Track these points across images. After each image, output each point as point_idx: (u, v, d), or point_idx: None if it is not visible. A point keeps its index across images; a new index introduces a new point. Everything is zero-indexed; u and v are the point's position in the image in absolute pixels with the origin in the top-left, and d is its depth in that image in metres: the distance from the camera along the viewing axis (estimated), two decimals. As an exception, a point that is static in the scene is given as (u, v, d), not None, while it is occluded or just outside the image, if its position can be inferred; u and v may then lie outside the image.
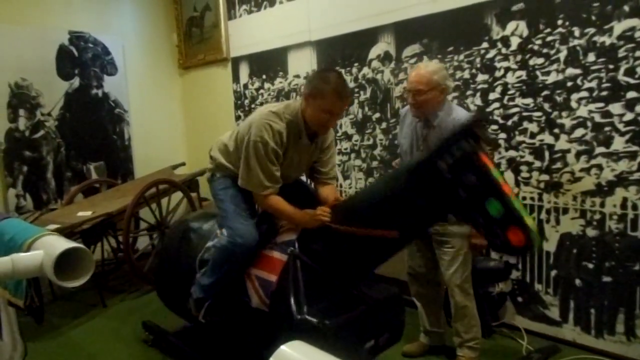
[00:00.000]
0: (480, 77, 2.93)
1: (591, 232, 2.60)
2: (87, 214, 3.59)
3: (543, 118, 2.70)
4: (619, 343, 2.56)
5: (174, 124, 5.30)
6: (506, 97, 2.83)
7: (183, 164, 4.61)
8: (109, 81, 4.69)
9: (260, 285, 2.10)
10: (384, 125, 3.49)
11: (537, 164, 2.75)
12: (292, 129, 2.08)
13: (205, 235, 2.45)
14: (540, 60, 2.68)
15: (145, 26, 5.00)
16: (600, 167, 2.53)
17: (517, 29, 2.75)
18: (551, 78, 2.65)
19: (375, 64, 3.49)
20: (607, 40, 2.45)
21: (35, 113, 4.21)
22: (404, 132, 2.51)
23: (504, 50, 2.82)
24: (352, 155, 3.71)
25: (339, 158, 3.72)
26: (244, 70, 4.51)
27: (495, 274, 2.82)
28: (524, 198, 2.82)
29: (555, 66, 2.63)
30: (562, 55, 2.60)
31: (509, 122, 2.83)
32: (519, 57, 2.76)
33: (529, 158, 2.78)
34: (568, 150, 2.63)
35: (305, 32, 3.89)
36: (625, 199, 2.47)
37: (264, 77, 4.33)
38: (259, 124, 2.04)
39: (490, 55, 2.88)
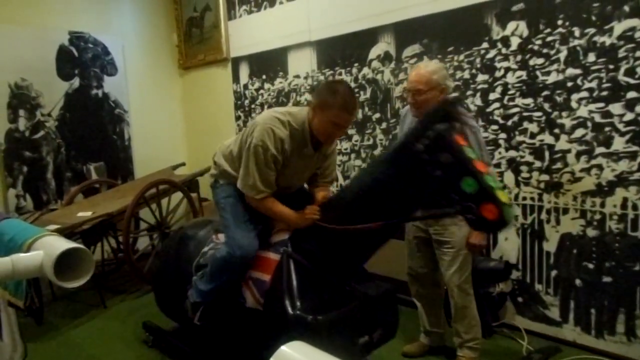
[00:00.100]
0: (481, 77, 2.93)
1: (591, 232, 2.60)
2: (87, 214, 3.59)
3: (543, 118, 2.70)
4: (620, 343, 2.56)
5: (174, 125, 5.30)
6: (506, 97, 2.83)
7: (183, 164, 4.61)
8: (109, 81, 4.69)
9: (254, 286, 2.12)
10: (384, 125, 3.49)
11: (537, 164, 2.75)
12: (297, 138, 2.07)
13: (202, 241, 2.49)
14: (541, 61, 2.68)
15: (145, 26, 5.00)
16: (600, 167, 2.53)
17: (517, 29, 2.75)
18: (551, 78, 2.65)
19: (375, 64, 3.49)
20: (607, 40, 2.45)
21: (35, 113, 4.21)
22: (404, 132, 2.51)
23: (504, 51, 2.82)
24: (352, 156, 3.71)
25: (339, 158, 3.72)
26: (244, 71, 4.51)
27: (496, 274, 2.81)
28: (524, 198, 2.82)
29: (555, 66, 2.63)
30: (562, 55, 2.60)
31: (509, 122, 2.83)
32: (519, 57, 2.76)
33: (529, 158, 2.78)
34: (568, 151, 2.63)
35: (305, 32, 3.89)
36: (625, 199, 2.47)
37: (264, 77, 4.33)
38: (262, 128, 2.03)
39: (490, 55, 2.88)
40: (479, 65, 2.93)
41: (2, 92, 4.03)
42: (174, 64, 5.22)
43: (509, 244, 2.92)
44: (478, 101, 2.95)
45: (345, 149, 3.72)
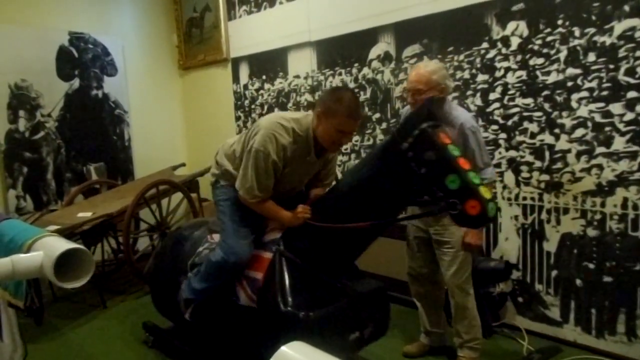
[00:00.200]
0: (481, 77, 2.93)
1: (592, 232, 2.60)
2: (88, 214, 3.59)
3: (543, 118, 2.70)
4: (620, 343, 2.56)
5: (174, 125, 5.29)
6: (506, 97, 2.83)
7: (183, 165, 4.60)
8: (109, 82, 4.68)
9: (247, 284, 2.16)
10: (384, 125, 3.49)
11: (538, 164, 2.75)
12: (300, 144, 2.07)
13: (197, 240, 2.54)
14: (541, 60, 2.68)
15: (145, 27, 5.00)
16: (600, 167, 2.53)
17: (517, 29, 2.75)
18: (551, 78, 2.65)
19: (375, 64, 3.49)
20: (607, 40, 2.45)
21: (35, 114, 4.21)
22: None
23: (504, 50, 2.82)
24: (352, 156, 3.71)
25: (339, 158, 3.72)
26: (244, 71, 4.51)
27: (496, 274, 2.81)
28: (525, 198, 2.82)
29: (555, 66, 2.63)
30: (563, 55, 2.60)
31: (509, 122, 2.83)
32: (519, 57, 2.76)
33: (529, 158, 2.78)
34: (568, 150, 2.63)
35: (305, 33, 3.89)
36: (625, 199, 2.47)
37: (264, 77, 4.33)
38: (265, 133, 2.03)
39: (490, 55, 2.88)
40: (479, 65, 2.93)
41: (2, 93, 4.03)
42: (174, 65, 5.22)
43: (509, 244, 2.91)
44: (478, 101, 2.95)
45: (345, 149, 3.72)
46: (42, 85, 4.23)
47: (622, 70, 2.42)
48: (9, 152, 4.08)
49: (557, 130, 2.66)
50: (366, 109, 3.56)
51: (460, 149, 1.76)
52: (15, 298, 1.88)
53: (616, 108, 2.45)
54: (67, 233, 3.17)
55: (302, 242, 2.10)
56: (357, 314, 2.08)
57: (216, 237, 2.35)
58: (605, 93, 2.48)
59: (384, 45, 3.41)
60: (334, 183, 2.35)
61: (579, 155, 2.59)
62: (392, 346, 2.76)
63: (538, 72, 2.69)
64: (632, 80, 2.40)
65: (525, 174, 2.81)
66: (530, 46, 2.71)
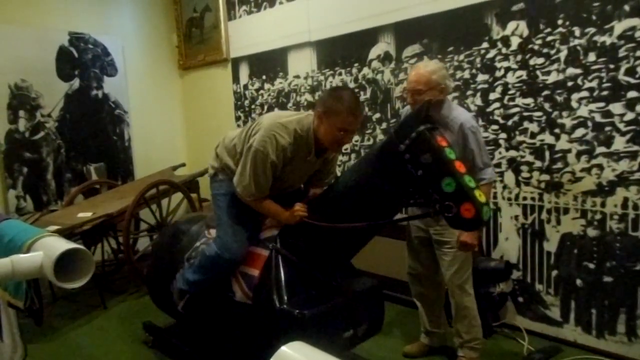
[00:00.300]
0: (481, 77, 2.93)
1: (592, 232, 2.60)
2: (88, 215, 3.59)
3: (543, 118, 2.70)
4: (620, 343, 2.55)
5: (174, 125, 5.30)
6: (506, 97, 2.83)
7: (183, 165, 4.61)
8: (109, 82, 4.68)
9: (243, 280, 2.17)
10: (384, 125, 3.48)
11: (538, 164, 2.75)
12: (301, 144, 2.08)
13: (194, 236, 2.54)
14: (541, 60, 2.68)
15: (145, 27, 5.00)
16: (601, 167, 2.53)
17: (518, 28, 2.75)
18: (552, 78, 2.65)
19: (375, 64, 3.48)
20: (607, 39, 2.45)
21: (35, 114, 4.21)
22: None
23: (504, 50, 2.81)
24: (352, 156, 3.70)
25: (339, 158, 3.72)
26: (244, 71, 4.51)
27: (496, 274, 2.81)
28: (525, 198, 2.81)
29: (555, 66, 2.63)
30: (563, 55, 2.60)
31: (510, 122, 2.83)
32: (519, 57, 2.76)
33: (529, 158, 2.78)
34: (569, 150, 2.63)
35: (305, 33, 3.89)
36: (626, 199, 2.47)
37: (264, 77, 4.33)
38: (265, 133, 2.03)
39: (490, 55, 2.87)
40: (479, 65, 2.93)
41: (2, 93, 4.03)
42: (174, 65, 5.22)
43: (509, 244, 2.91)
44: (478, 101, 2.95)
45: (346, 149, 3.72)
46: (42, 85, 4.23)
47: (622, 70, 2.42)
48: (9, 152, 4.08)
49: (557, 130, 2.66)
50: (366, 109, 3.55)
51: (459, 151, 1.77)
52: (15, 298, 1.88)
53: (616, 108, 2.45)
54: (67, 233, 3.17)
55: (298, 240, 2.11)
56: (351, 312, 2.10)
57: (213, 232, 2.36)
58: (605, 93, 2.48)
59: (384, 45, 3.41)
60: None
61: (579, 155, 2.59)
62: (392, 346, 2.76)
63: (538, 72, 2.69)
64: (632, 80, 2.39)
65: (525, 174, 2.80)
66: (530, 46, 2.71)
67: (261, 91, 4.37)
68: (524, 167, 2.80)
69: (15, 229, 1.71)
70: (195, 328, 2.66)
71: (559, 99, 2.63)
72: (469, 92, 2.98)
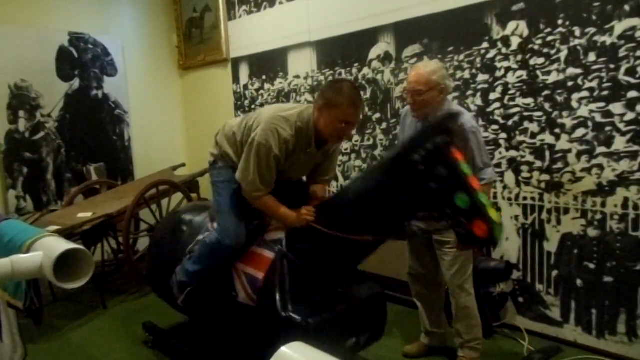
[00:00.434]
0: (481, 77, 2.93)
1: (592, 232, 2.60)
2: (88, 215, 3.59)
3: (544, 118, 2.70)
4: (621, 343, 2.55)
5: (174, 125, 5.29)
6: (507, 97, 2.83)
7: (183, 165, 4.60)
8: (109, 82, 4.68)
9: (247, 282, 2.14)
10: (384, 125, 3.48)
11: (538, 164, 2.75)
12: (301, 137, 2.07)
13: (197, 228, 2.49)
14: (541, 60, 2.68)
15: (145, 27, 5.00)
16: (601, 167, 2.53)
17: (518, 28, 2.74)
18: (552, 78, 2.65)
19: (375, 64, 3.48)
20: (607, 39, 2.45)
21: (35, 114, 4.21)
22: (405, 132, 2.51)
23: (504, 50, 2.81)
24: (353, 156, 3.70)
25: (339, 158, 3.72)
26: (244, 71, 4.51)
27: (496, 275, 2.81)
28: (525, 198, 2.81)
29: (555, 66, 2.63)
30: (563, 55, 2.60)
31: (510, 122, 2.83)
32: (519, 57, 2.75)
33: (529, 158, 2.78)
34: (569, 150, 2.62)
35: (305, 33, 3.89)
36: (626, 199, 2.46)
37: (264, 77, 4.33)
38: (267, 126, 2.02)
39: (490, 55, 2.87)
40: (479, 65, 2.93)
41: (2, 93, 4.03)
42: (174, 65, 5.22)
43: (509, 244, 2.91)
44: (478, 101, 2.95)
45: (346, 149, 3.72)
46: (42, 85, 4.22)
47: (622, 70, 2.42)
48: (9, 153, 4.08)
49: (557, 130, 2.66)
50: (366, 109, 3.55)
51: (469, 163, 1.74)
52: (14, 299, 1.88)
53: (617, 108, 2.45)
54: (67, 233, 3.17)
55: (304, 244, 2.08)
56: (355, 320, 2.08)
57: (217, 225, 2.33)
58: (605, 93, 2.48)
59: (384, 45, 3.41)
60: (333, 182, 2.34)
61: (579, 155, 2.59)
62: (392, 346, 2.76)
63: (538, 72, 2.69)
64: (632, 80, 2.39)
65: (525, 174, 2.80)
66: (530, 46, 2.70)
67: (261, 91, 4.37)
68: (524, 167, 2.80)
69: (15, 229, 1.71)
70: (195, 324, 2.63)
71: (559, 99, 2.63)
72: (469, 92, 2.98)
